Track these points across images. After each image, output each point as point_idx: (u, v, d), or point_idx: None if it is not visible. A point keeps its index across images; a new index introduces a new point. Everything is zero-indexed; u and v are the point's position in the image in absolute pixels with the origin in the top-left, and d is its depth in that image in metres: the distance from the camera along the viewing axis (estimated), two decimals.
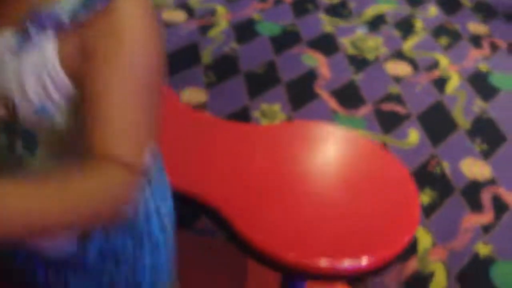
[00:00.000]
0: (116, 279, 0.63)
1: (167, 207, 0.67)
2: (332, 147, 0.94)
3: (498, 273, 1.37)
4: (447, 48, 2.09)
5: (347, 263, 0.77)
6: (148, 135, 0.52)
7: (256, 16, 2.21)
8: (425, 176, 1.57)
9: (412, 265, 1.38)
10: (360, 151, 0.93)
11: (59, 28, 0.49)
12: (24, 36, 0.49)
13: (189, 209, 0.92)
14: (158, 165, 0.66)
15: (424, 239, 1.43)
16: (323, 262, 0.76)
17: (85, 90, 0.49)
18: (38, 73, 0.49)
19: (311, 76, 1.90)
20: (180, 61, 1.90)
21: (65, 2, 0.49)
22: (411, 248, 1.42)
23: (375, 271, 0.82)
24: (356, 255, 0.77)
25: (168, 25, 2.10)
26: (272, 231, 0.80)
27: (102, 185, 0.46)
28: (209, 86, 1.81)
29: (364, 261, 0.77)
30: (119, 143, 0.48)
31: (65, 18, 0.49)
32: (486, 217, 1.49)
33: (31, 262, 0.62)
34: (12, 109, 0.51)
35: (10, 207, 0.41)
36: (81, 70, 0.49)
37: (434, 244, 1.42)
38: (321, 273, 0.77)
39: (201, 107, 1.70)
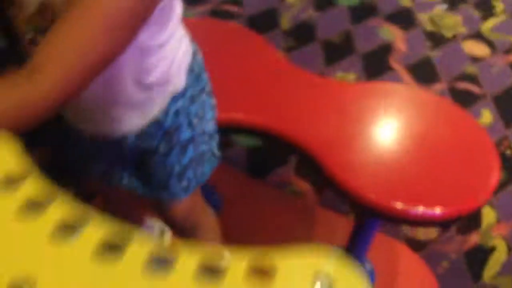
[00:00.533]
0: None
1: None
2: (417, 108, 1.00)
3: None
4: None
5: (421, 210, 0.83)
6: (91, 68, 0.54)
7: None
8: None
9: (475, 238, 1.43)
10: (444, 113, 0.99)
11: None
12: None
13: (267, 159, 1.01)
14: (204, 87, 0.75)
15: (489, 215, 1.47)
16: (399, 205, 0.83)
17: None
18: None
19: (387, 49, 1.93)
20: (260, 25, 1.97)
21: None
22: (475, 222, 1.47)
23: (446, 222, 0.88)
24: (431, 204, 0.84)
25: None
26: (358, 173, 0.88)
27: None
28: (287, 50, 1.88)
29: (437, 210, 0.83)
30: (50, 62, 0.51)
31: None
32: None
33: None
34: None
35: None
36: None
37: (498, 221, 1.46)
38: (395, 215, 0.84)
39: None
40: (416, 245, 1.42)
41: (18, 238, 0.24)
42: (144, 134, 0.73)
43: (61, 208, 0.26)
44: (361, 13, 2.09)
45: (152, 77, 0.68)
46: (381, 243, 1.37)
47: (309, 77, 1.07)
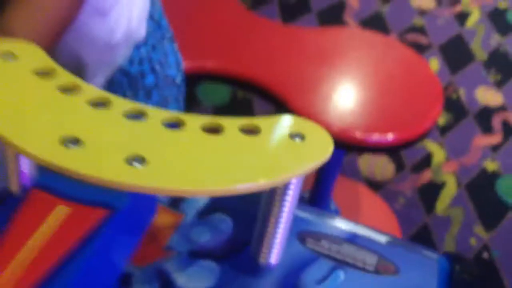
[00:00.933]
0: None
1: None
2: (371, 48, 1.10)
3: (502, 185, 1.56)
4: None
5: (375, 136, 0.94)
6: (50, 23, 0.59)
7: None
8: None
9: (426, 175, 1.56)
10: (395, 52, 1.09)
11: None
12: None
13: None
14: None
15: (439, 154, 1.61)
16: (358, 134, 0.93)
17: None
18: None
19: (340, 6, 2.02)
20: None
21: None
22: (426, 161, 1.60)
23: (396, 147, 0.99)
24: (383, 131, 0.94)
25: None
26: (321, 109, 0.97)
27: None
28: None
29: (389, 136, 0.94)
30: (19, 19, 0.57)
31: None
32: (495, 138, 1.66)
33: None
34: None
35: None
36: None
37: (447, 159, 1.60)
38: (356, 143, 0.94)
39: None
40: (374, 186, 1.54)
41: (61, 107, 0.31)
42: (111, 83, 0.78)
43: (93, 89, 0.33)
44: None
45: (117, 36, 0.73)
46: (343, 185, 1.49)
47: (270, 24, 1.15)
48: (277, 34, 1.10)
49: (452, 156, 1.61)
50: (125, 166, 0.28)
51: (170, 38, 0.86)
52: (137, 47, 0.77)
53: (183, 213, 0.41)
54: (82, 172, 0.26)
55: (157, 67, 0.81)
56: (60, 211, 0.31)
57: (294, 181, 0.34)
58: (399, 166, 1.57)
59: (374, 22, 1.96)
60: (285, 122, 0.34)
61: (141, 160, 0.28)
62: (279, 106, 1.03)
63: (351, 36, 1.13)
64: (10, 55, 0.35)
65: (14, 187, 0.35)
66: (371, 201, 1.53)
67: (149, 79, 0.80)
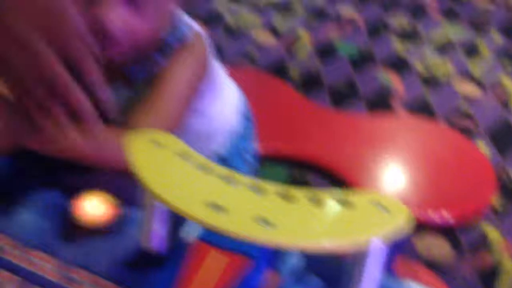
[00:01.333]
0: None
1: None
2: (422, 134, 1.19)
3: None
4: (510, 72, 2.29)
5: (431, 214, 0.99)
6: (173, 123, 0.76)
7: (334, 37, 2.49)
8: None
9: (485, 258, 1.56)
10: (448, 139, 1.17)
11: (145, 76, 0.78)
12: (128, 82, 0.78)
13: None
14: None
15: (496, 237, 1.62)
16: (415, 211, 0.99)
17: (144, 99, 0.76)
18: None
19: (387, 92, 2.14)
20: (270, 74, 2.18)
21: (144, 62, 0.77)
22: (484, 243, 1.61)
23: (455, 225, 1.03)
24: (440, 208, 1.00)
25: (257, 44, 2.39)
26: (376, 186, 1.04)
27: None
28: None
29: (444, 214, 0.99)
30: (149, 121, 0.73)
31: (143, 72, 0.78)
32: None
33: None
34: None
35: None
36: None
37: (505, 242, 1.60)
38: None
39: None
40: (432, 265, 1.56)
41: (203, 181, 0.41)
42: None
43: (222, 168, 0.43)
44: (360, 62, 2.32)
45: (214, 129, 0.89)
46: (401, 264, 1.51)
47: (326, 111, 1.26)
48: (335, 120, 1.22)
49: (510, 239, 1.62)
50: (255, 225, 0.37)
51: (253, 130, 1.00)
52: (230, 136, 0.90)
53: (278, 271, 0.49)
54: (227, 230, 0.36)
55: (246, 155, 0.94)
56: (219, 259, 0.41)
57: (376, 249, 0.42)
58: (456, 247, 1.59)
59: (421, 107, 2.06)
60: (372, 197, 0.42)
61: (266, 221, 0.37)
62: (336, 183, 1.11)
63: (402, 122, 1.23)
64: (156, 143, 0.46)
65: (147, 243, 0.45)
66: (429, 281, 1.54)
67: (237, 163, 0.92)
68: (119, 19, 0.67)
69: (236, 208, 0.37)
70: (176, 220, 0.47)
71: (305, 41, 2.45)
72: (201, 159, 0.44)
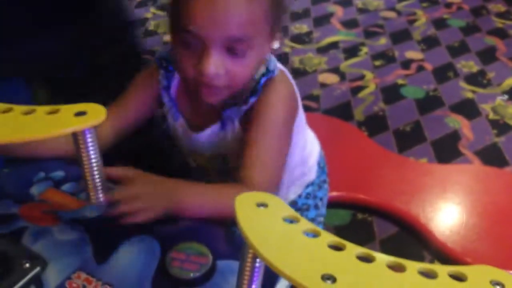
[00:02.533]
0: None
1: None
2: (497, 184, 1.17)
3: None
4: None
5: None
6: (278, 172, 0.79)
7: (400, 81, 2.49)
8: None
9: None
10: None
11: (240, 116, 0.82)
12: (224, 124, 0.83)
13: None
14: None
15: None
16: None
17: (245, 139, 0.80)
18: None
19: (454, 136, 2.11)
20: (335, 116, 2.21)
21: (240, 103, 0.81)
22: None
23: None
24: None
25: (323, 85, 2.43)
26: (455, 239, 1.03)
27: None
28: None
29: None
30: (258, 180, 0.75)
31: (240, 112, 0.82)
32: None
33: None
34: (227, 158, 0.86)
35: (192, 195, 0.71)
36: (247, 128, 0.81)
37: None
38: None
39: None
40: None
41: (308, 247, 0.44)
42: None
43: (331, 236, 0.46)
44: (427, 105, 2.31)
45: (294, 180, 0.92)
46: None
47: (400, 159, 1.27)
48: (403, 165, 1.23)
49: None
50: None
51: (327, 179, 1.03)
52: (307, 186, 0.93)
53: None
54: None
55: (319, 203, 0.96)
56: None
57: None
58: None
59: (490, 153, 2.01)
60: (486, 271, 0.43)
61: None
62: (402, 227, 1.12)
63: (472, 169, 1.22)
64: (263, 205, 0.50)
65: None
66: None
67: (311, 213, 0.94)
68: (222, 69, 0.72)
69: (348, 280, 0.40)
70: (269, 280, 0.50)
71: (371, 83, 2.47)
72: (308, 224, 0.47)
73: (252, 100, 0.80)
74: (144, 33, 2.90)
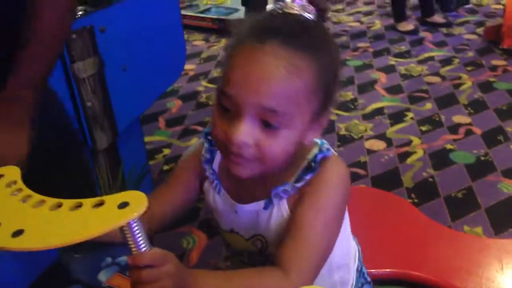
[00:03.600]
0: None
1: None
2: None
3: None
4: None
5: None
6: (321, 262, 0.75)
7: (449, 146, 2.47)
8: None
9: None
10: None
11: (289, 195, 0.79)
12: (271, 202, 0.79)
13: None
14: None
15: None
16: None
17: (294, 218, 0.76)
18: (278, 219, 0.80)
19: (509, 203, 2.05)
20: (384, 184, 2.20)
21: (292, 180, 0.78)
22: None
23: None
24: None
25: (370, 152, 2.45)
26: None
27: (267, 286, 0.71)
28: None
29: None
30: (299, 265, 0.72)
31: (292, 190, 0.78)
32: None
33: None
34: (264, 242, 0.83)
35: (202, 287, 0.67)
36: (296, 207, 0.77)
37: None
38: None
39: None
40: None
41: None
42: None
43: None
44: (478, 170, 2.27)
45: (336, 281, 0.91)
46: None
47: (454, 234, 1.26)
48: (463, 241, 1.22)
49: None
50: None
51: (368, 281, 1.02)
52: None
53: None
54: None
55: None
56: None
57: None
58: None
59: None
60: None
61: None
62: None
63: None
64: None
65: None
66: None
67: None
68: (251, 139, 0.69)
69: None
70: None
71: (418, 149, 2.46)
72: None
73: (308, 177, 0.76)
74: (196, 105, 3.04)
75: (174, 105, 3.05)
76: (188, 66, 3.57)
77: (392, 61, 3.53)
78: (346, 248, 0.92)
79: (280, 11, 0.74)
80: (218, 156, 0.84)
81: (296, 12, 0.72)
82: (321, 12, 0.75)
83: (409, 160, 2.37)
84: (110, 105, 1.54)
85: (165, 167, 2.40)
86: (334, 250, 0.78)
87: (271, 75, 0.67)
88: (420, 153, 2.43)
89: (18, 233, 0.52)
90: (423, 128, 2.64)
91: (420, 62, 3.50)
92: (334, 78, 0.74)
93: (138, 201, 0.55)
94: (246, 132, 0.68)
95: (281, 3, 0.74)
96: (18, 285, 0.79)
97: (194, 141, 2.61)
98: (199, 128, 2.76)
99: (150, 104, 1.91)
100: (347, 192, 0.78)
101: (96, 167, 1.59)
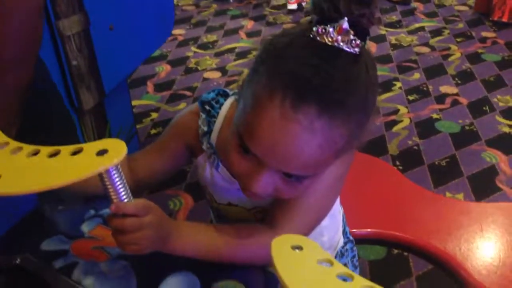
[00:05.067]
0: None
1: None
2: None
3: None
4: None
5: None
6: (310, 229, 0.75)
7: (435, 115, 2.49)
8: None
9: None
10: None
11: None
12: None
13: None
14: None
15: None
16: None
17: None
18: None
19: (492, 171, 2.09)
20: (370, 151, 2.22)
21: None
22: None
23: None
24: None
25: None
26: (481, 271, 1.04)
27: (255, 244, 0.71)
28: None
29: None
30: (288, 225, 0.72)
31: None
32: None
33: None
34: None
35: (184, 237, 0.69)
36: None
37: None
38: None
39: None
40: None
41: None
42: None
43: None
44: (463, 140, 2.30)
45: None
46: None
47: (436, 197, 1.29)
48: (439, 203, 1.25)
49: None
50: None
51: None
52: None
53: None
54: None
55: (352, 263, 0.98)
56: None
57: None
58: None
59: None
60: None
61: None
62: (439, 265, 1.14)
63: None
64: (298, 247, 0.53)
65: None
66: None
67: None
68: (271, 188, 0.65)
69: None
70: None
71: (405, 117, 2.48)
72: (343, 268, 0.50)
73: None
74: (185, 70, 3.02)
75: (163, 69, 3.03)
76: (177, 31, 3.53)
77: (382, 30, 3.51)
78: (335, 210, 0.93)
79: (322, 46, 0.60)
80: (216, 129, 0.80)
81: (340, 46, 0.60)
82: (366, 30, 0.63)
83: (395, 128, 2.39)
84: (96, 65, 1.52)
85: (153, 131, 2.40)
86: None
87: (302, 151, 0.60)
88: (406, 121, 2.45)
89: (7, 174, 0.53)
90: (411, 98, 2.66)
91: (410, 32, 3.49)
92: (365, 128, 0.65)
93: (117, 148, 0.55)
94: (266, 184, 0.64)
95: (323, 30, 0.60)
96: None
97: (183, 106, 2.61)
98: (188, 93, 2.75)
99: (137, 65, 1.90)
100: (350, 162, 0.76)
101: (82, 127, 1.59)
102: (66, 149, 0.56)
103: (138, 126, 2.30)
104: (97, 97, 1.57)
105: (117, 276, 0.74)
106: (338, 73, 0.59)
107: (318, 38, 0.60)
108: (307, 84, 0.58)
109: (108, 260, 0.76)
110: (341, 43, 0.59)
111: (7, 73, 0.87)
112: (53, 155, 0.56)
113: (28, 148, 0.57)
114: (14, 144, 0.58)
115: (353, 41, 0.59)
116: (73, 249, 0.79)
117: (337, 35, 0.59)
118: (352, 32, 0.59)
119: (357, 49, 0.60)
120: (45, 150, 0.56)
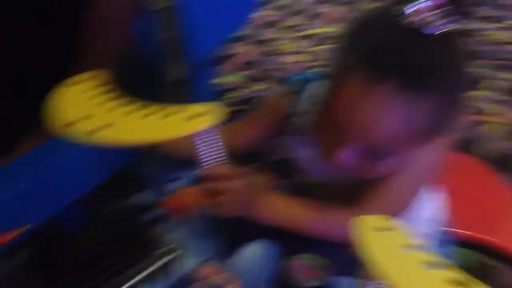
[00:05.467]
0: None
1: None
2: None
3: None
4: None
5: None
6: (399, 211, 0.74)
7: None
8: None
9: None
10: None
11: None
12: None
13: None
14: None
15: None
16: None
17: None
18: None
19: None
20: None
21: None
22: None
23: None
24: None
25: None
26: None
27: (341, 223, 0.67)
28: None
29: None
30: (375, 208, 0.72)
31: None
32: None
33: None
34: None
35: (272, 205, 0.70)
36: None
37: None
38: None
39: None
40: None
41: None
42: None
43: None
44: None
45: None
46: None
47: None
48: None
49: None
50: None
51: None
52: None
53: None
54: None
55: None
56: None
57: None
58: None
59: None
60: None
61: None
62: None
63: None
64: (385, 229, 0.53)
65: None
66: None
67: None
68: (354, 159, 0.67)
69: None
70: None
71: (499, 119, 2.34)
72: (431, 254, 0.49)
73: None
74: (268, 52, 3.03)
75: (246, 50, 3.06)
76: (262, 12, 3.54)
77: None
78: (436, 204, 0.91)
79: (404, 26, 0.61)
80: (303, 109, 0.82)
81: (428, 23, 0.60)
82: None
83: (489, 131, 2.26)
84: (182, 40, 1.55)
85: (234, 109, 2.44)
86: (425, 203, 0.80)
87: (381, 123, 0.62)
88: (499, 122, 2.31)
89: (107, 126, 0.57)
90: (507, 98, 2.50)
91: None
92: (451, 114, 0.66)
93: (213, 112, 0.58)
94: (350, 156, 0.67)
95: (410, 9, 0.61)
96: (88, 182, 0.85)
97: (264, 87, 2.63)
98: (270, 74, 2.76)
99: (221, 43, 1.92)
100: (441, 155, 0.77)
101: None
102: (166, 110, 0.60)
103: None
104: (183, 72, 1.61)
105: (201, 235, 0.77)
106: (420, 52, 0.60)
107: (403, 17, 0.60)
108: (390, 60, 0.60)
109: (194, 219, 0.80)
110: (424, 23, 0.60)
111: (109, 37, 0.92)
112: (156, 113, 0.60)
113: (138, 104, 0.61)
114: (126, 99, 0.63)
115: (440, 22, 0.60)
116: (162, 204, 0.83)
117: (422, 15, 0.60)
118: (440, 13, 0.60)
119: (443, 30, 0.60)
120: (154, 109, 0.60)
